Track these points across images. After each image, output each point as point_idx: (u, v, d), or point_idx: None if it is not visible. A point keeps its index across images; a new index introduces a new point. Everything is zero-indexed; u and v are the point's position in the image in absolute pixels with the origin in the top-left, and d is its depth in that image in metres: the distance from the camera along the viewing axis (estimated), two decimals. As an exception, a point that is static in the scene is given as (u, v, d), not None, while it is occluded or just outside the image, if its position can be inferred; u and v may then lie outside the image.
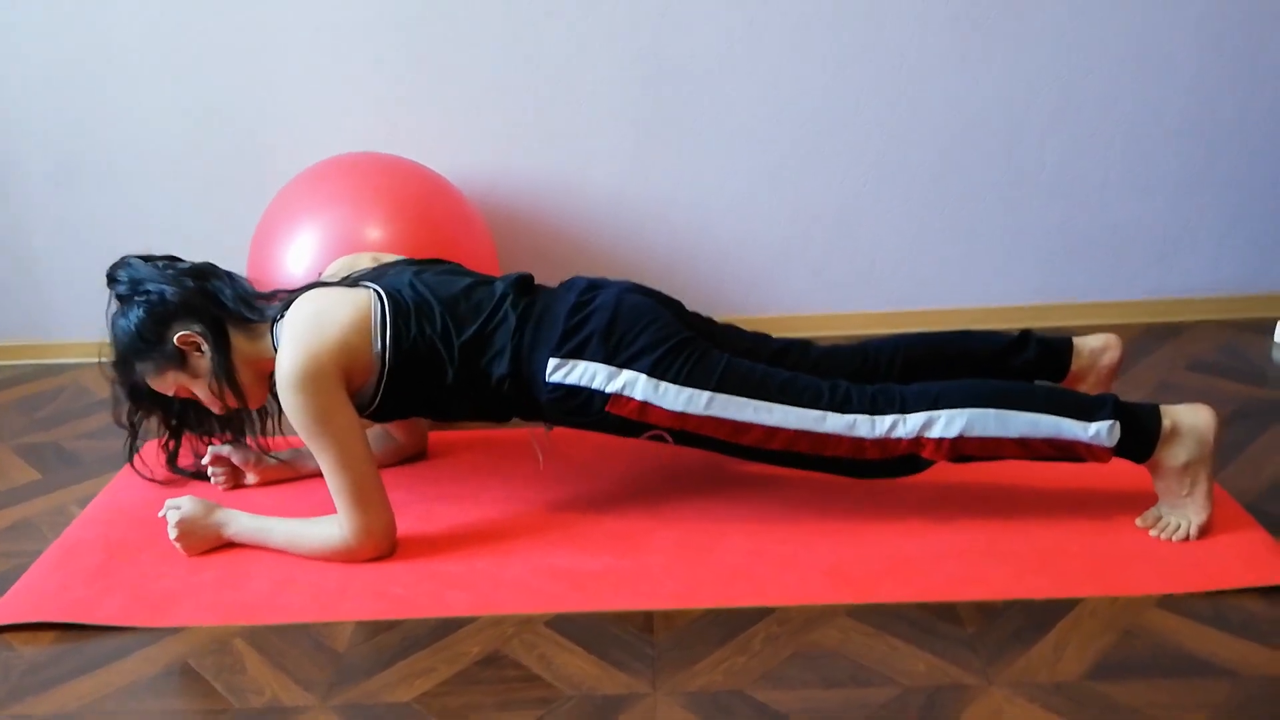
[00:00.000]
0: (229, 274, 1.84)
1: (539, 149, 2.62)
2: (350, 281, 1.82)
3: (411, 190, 2.30)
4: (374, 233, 2.19)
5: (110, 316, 1.80)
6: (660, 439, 1.74)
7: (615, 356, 1.69)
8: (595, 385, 1.70)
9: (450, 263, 1.90)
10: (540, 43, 2.53)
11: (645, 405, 1.69)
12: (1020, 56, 2.51)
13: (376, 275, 1.83)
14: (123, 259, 1.81)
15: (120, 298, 1.79)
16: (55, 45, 2.56)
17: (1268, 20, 2.47)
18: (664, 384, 1.68)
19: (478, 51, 2.55)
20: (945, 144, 2.59)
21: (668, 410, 1.69)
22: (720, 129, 2.59)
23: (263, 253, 2.28)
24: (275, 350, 1.79)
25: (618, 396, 1.69)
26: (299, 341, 1.68)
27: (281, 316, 1.79)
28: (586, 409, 1.72)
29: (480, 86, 2.57)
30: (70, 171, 2.66)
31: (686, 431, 1.71)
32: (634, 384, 1.68)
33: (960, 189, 2.62)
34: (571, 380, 1.70)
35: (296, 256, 2.19)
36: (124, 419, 1.91)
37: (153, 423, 1.95)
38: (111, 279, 1.80)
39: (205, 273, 1.82)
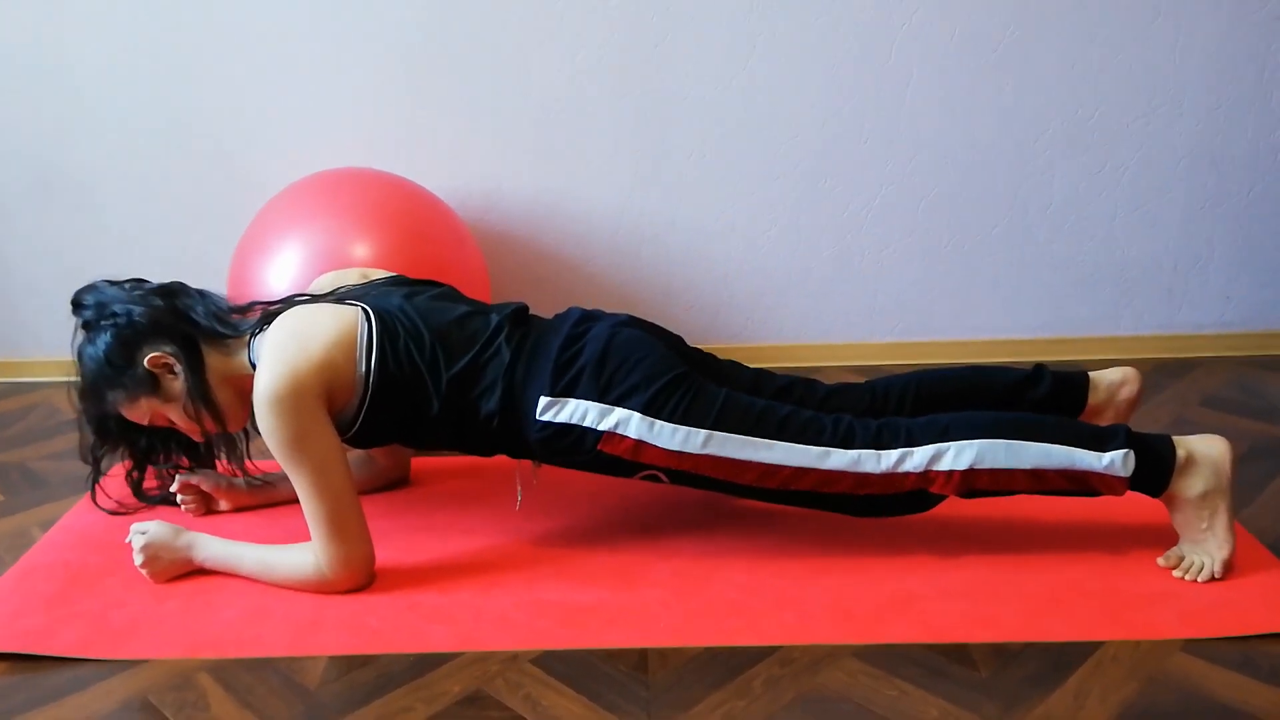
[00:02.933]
0: (199, 291, 1.77)
1: (535, 171, 2.55)
2: (337, 298, 1.74)
3: (402, 207, 2.23)
4: (362, 250, 2.11)
5: (77, 347, 1.73)
6: (655, 479, 1.66)
7: (607, 393, 1.62)
8: (587, 423, 1.62)
9: (444, 285, 1.82)
10: (539, 64, 2.48)
11: (639, 444, 1.61)
12: (1029, 87, 2.47)
13: (364, 293, 1.75)
14: (89, 284, 1.75)
15: (86, 324, 1.72)
16: (30, 59, 2.49)
17: (1280, 52, 2.43)
18: (659, 422, 1.60)
19: (476, 72, 2.49)
20: (951, 174, 2.53)
21: (663, 449, 1.61)
22: (720, 155, 2.53)
23: (244, 269, 2.19)
24: (254, 366, 1.70)
25: (610, 435, 1.61)
26: (279, 358, 1.60)
27: (260, 331, 1.71)
28: (578, 448, 1.64)
29: (477, 107, 2.51)
30: (45, 187, 2.58)
31: (682, 471, 1.63)
32: (627, 422, 1.61)
33: (966, 220, 2.57)
34: (562, 418, 1.63)
35: (280, 273, 2.11)
36: (88, 455, 1.84)
37: (118, 454, 1.88)
38: (77, 305, 1.73)
39: (174, 291, 1.74)
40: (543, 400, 1.63)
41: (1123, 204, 2.54)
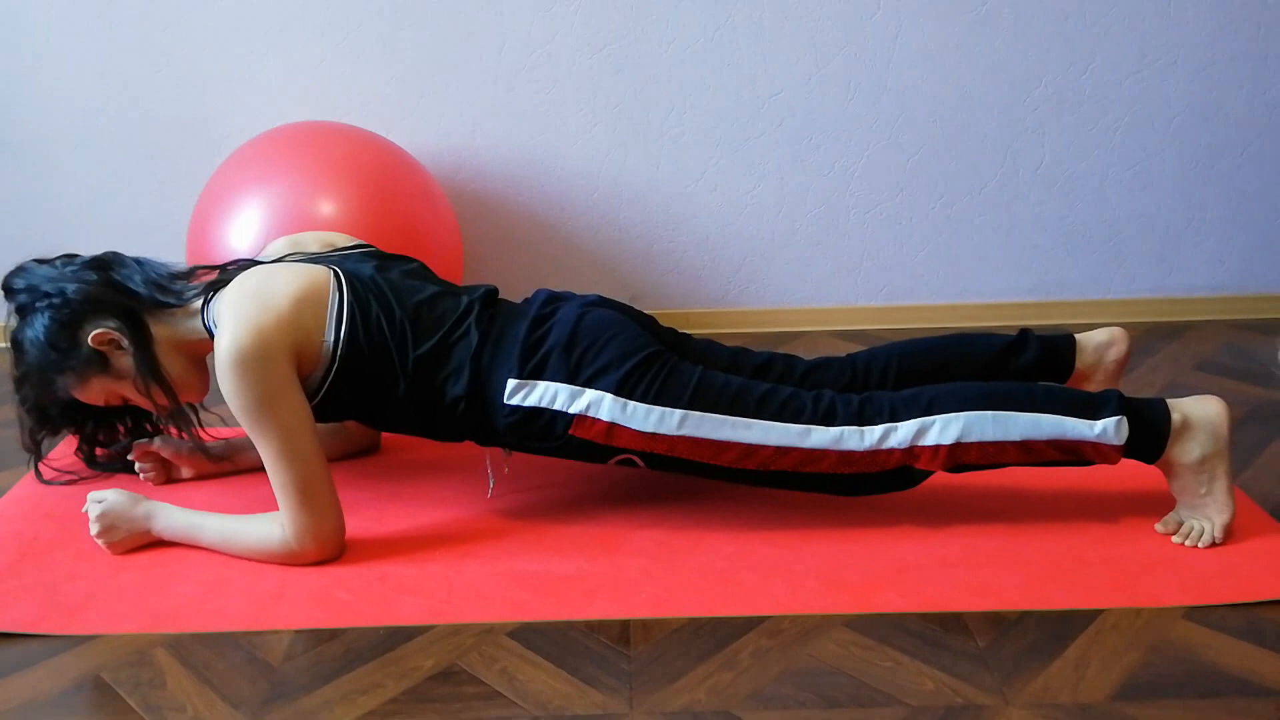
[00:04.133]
0: (136, 259, 1.67)
1: (509, 128, 2.46)
2: (305, 259, 1.65)
3: (371, 163, 2.14)
4: (328, 208, 2.03)
5: (11, 333, 1.64)
6: (630, 464, 1.60)
7: (578, 374, 1.55)
8: (557, 406, 1.55)
9: (415, 261, 1.74)
10: (512, 14, 2.38)
11: (612, 427, 1.54)
12: (1019, 43, 2.40)
13: (334, 259, 1.66)
14: (18, 266, 1.65)
15: (20, 309, 1.63)
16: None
17: (1279, 9, 2.36)
18: (632, 403, 1.54)
19: (448, 22, 2.39)
20: (939, 132, 2.46)
21: (637, 431, 1.55)
22: (701, 113, 2.45)
23: (204, 229, 2.10)
24: (210, 331, 1.61)
25: (582, 418, 1.55)
26: (242, 315, 1.51)
27: (213, 295, 1.62)
28: (548, 433, 1.57)
29: (448, 59, 2.41)
30: (-2, 142, 2.48)
31: (658, 454, 1.57)
32: (599, 404, 1.54)
33: (954, 181, 2.50)
34: (531, 402, 1.56)
35: (241, 233, 2.02)
36: (28, 442, 1.76)
37: (59, 435, 1.82)
38: (7, 290, 1.64)
39: (108, 262, 1.65)
40: (510, 383, 1.56)
41: (1115, 163, 2.48)
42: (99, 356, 1.61)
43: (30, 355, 1.62)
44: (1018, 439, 1.55)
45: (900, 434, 1.55)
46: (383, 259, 1.71)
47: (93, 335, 1.59)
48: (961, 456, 1.55)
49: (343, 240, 1.78)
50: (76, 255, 1.66)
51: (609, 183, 2.50)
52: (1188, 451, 1.56)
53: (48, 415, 1.72)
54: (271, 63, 2.41)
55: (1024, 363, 1.74)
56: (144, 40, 2.40)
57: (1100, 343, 1.77)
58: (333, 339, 1.56)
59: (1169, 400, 1.58)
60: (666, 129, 2.46)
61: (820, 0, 2.37)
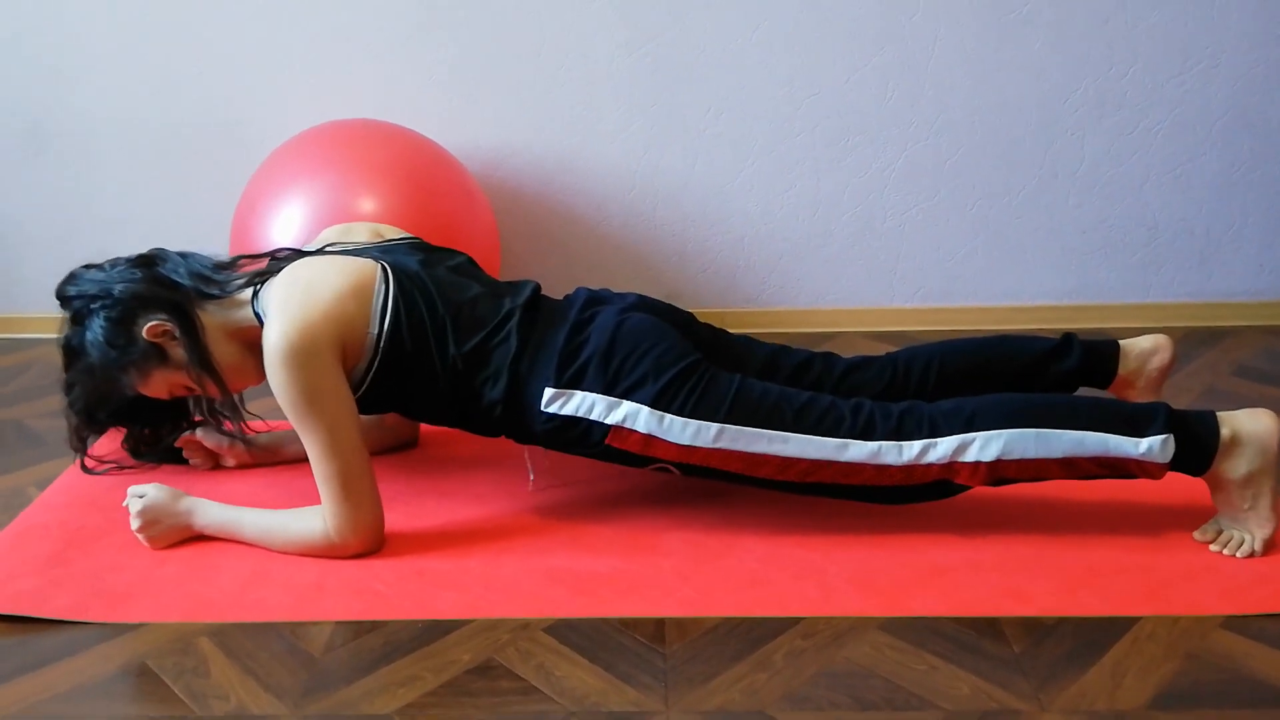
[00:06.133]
0: (181, 253, 1.70)
1: (545, 126, 2.47)
2: (354, 252, 1.67)
3: (408, 160, 2.16)
4: (368, 204, 2.05)
5: (64, 339, 1.67)
6: (666, 471, 1.60)
7: (615, 385, 1.55)
8: (594, 416, 1.56)
9: (461, 255, 1.75)
10: (552, 13, 2.39)
11: (649, 439, 1.55)
12: (1060, 44, 2.38)
13: (382, 251, 1.68)
14: (69, 274, 1.68)
15: (75, 315, 1.66)
16: (23, 10, 2.41)
17: (1323, 10, 2.34)
18: (669, 416, 1.54)
19: (485, 21, 2.40)
20: (978, 134, 2.45)
21: (674, 444, 1.55)
22: (737, 113, 2.45)
23: (246, 224, 2.13)
24: (260, 319, 1.64)
25: (619, 429, 1.55)
26: (289, 309, 1.53)
27: (261, 285, 1.64)
28: (584, 440, 1.58)
29: (486, 58, 2.43)
30: (40, 140, 2.51)
31: (694, 465, 1.57)
32: (636, 416, 1.55)
33: (992, 182, 2.49)
34: (568, 411, 1.57)
35: (283, 228, 2.05)
36: (74, 441, 1.79)
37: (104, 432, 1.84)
38: (63, 298, 1.67)
39: (152, 259, 1.68)
40: (548, 392, 1.57)
41: (1155, 167, 2.46)
42: (156, 349, 1.63)
43: (92, 356, 1.64)
44: (1060, 456, 1.53)
45: (939, 450, 1.53)
46: (429, 253, 1.72)
47: (147, 328, 1.62)
48: (1001, 473, 1.54)
49: (392, 232, 1.80)
50: (121, 257, 1.69)
51: (645, 181, 2.51)
52: (1234, 467, 1.54)
53: (95, 418, 1.75)
54: (311, 62, 2.43)
55: (1066, 368, 1.73)
56: (185, 41, 2.42)
57: (1144, 350, 1.75)
58: (377, 332, 1.58)
59: (1220, 414, 1.55)
60: (703, 128, 2.47)
61: (858, 1, 2.36)
